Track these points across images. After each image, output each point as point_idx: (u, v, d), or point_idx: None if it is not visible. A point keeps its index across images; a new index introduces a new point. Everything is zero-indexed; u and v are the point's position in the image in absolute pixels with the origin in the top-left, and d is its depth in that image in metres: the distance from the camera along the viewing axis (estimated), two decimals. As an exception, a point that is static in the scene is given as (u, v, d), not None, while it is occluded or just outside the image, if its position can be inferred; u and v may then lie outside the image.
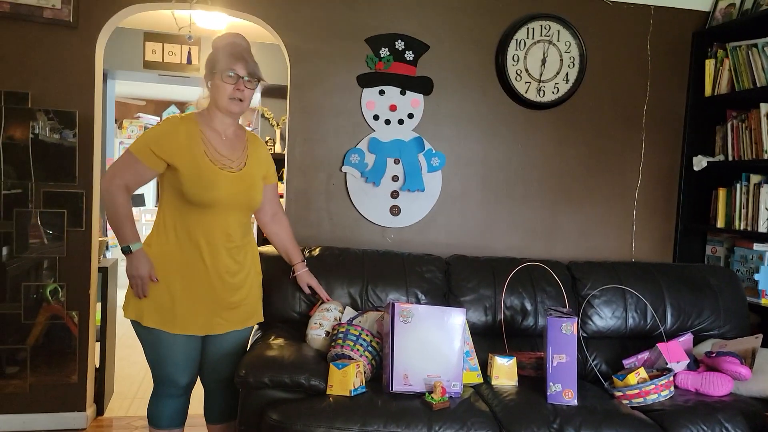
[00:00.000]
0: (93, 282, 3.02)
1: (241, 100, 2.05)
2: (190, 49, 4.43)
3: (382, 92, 3.02)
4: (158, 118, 8.28)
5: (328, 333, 2.34)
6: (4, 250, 2.87)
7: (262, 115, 5.59)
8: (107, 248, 3.49)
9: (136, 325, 2.11)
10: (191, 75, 4.61)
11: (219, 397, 2.28)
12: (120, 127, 7.76)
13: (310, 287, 2.46)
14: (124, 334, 4.13)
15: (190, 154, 2.02)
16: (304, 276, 2.45)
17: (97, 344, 3.20)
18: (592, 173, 3.25)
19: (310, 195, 3.02)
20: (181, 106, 8.48)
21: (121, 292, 4.08)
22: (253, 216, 2.30)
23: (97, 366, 3.19)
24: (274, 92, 5.31)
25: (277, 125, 5.55)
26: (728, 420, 2.10)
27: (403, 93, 3.03)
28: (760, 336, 2.48)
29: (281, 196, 2.84)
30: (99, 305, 3.23)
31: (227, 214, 2.09)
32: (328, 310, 2.43)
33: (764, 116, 2.83)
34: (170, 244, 2.06)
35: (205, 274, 2.08)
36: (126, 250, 2.03)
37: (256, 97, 5.67)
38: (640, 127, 3.27)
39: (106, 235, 3.57)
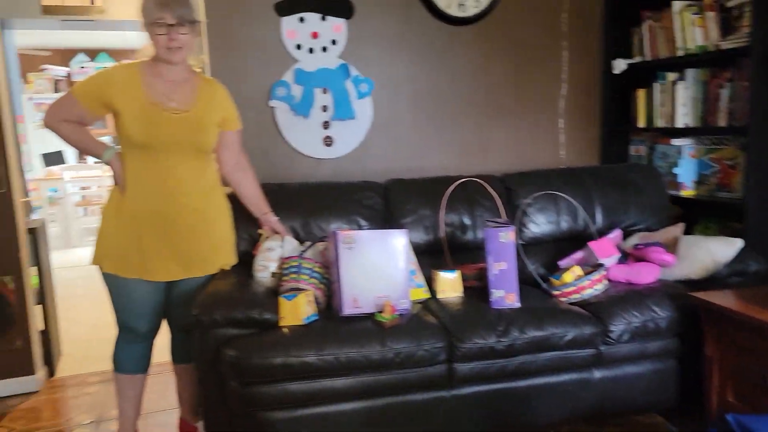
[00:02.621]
0: (22, 245, 2.90)
1: (180, 47, 2.02)
2: (91, -13, 4.09)
3: (301, 20, 2.92)
4: (67, 69, 7.73)
5: (273, 274, 2.30)
6: None
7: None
8: (32, 210, 3.33)
9: (100, 272, 2.15)
10: (96, 18, 4.28)
11: (183, 339, 2.29)
12: (26, 81, 7.22)
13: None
14: (63, 297, 4.02)
15: (129, 96, 2.04)
16: (276, 224, 2.45)
17: (39, 307, 3.11)
18: (519, 85, 3.29)
19: (242, 135, 2.93)
20: (92, 54, 7.93)
21: (53, 254, 3.93)
22: None
23: (42, 329, 3.12)
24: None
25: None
26: (656, 304, 2.27)
27: (323, 19, 2.94)
28: (682, 224, 2.66)
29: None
30: (36, 269, 3.12)
31: (175, 158, 2.09)
32: (270, 249, 2.36)
33: (676, 14, 2.91)
34: (124, 192, 2.09)
35: (158, 220, 2.09)
36: (105, 161, 2.13)
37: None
38: (561, 36, 3.31)
39: (28, 196, 3.41)
